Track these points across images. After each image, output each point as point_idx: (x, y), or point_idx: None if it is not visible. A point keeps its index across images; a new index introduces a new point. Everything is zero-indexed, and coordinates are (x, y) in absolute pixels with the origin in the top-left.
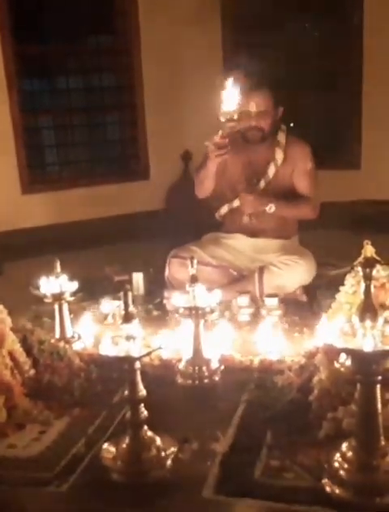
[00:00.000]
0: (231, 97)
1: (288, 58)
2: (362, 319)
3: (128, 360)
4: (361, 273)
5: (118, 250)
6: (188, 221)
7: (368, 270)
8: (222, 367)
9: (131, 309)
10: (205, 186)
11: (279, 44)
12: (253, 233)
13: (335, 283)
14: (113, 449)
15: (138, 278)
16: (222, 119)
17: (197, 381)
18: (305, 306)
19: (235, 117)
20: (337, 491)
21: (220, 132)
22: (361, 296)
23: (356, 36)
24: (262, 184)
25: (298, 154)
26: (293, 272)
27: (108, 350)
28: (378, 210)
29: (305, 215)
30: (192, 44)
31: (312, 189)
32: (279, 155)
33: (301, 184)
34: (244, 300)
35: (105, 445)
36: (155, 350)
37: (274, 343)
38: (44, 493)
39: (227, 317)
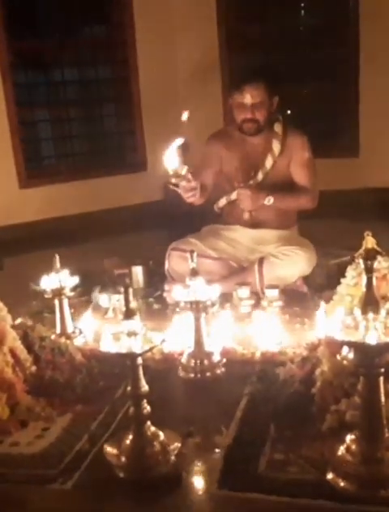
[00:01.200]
0: (175, 156)
1: (284, 48)
2: (364, 312)
3: (130, 357)
4: (361, 265)
5: (117, 243)
6: (186, 212)
7: (369, 262)
8: (224, 360)
9: (132, 304)
10: (197, 204)
11: (276, 34)
12: (252, 225)
13: (336, 273)
14: (116, 445)
15: (137, 271)
16: (170, 173)
17: (199, 375)
18: (305, 297)
19: (183, 172)
20: (341, 484)
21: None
22: (363, 289)
23: (352, 23)
24: (259, 176)
25: (295, 144)
26: (293, 263)
27: (109, 346)
28: (377, 197)
29: (304, 206)
30: (187, 35)
31: (310, 180)
32: (276, 146)
33: (298, 174)
34: (244, 292)
35: (109, 442)
36: (156, 346)
37: (275, 335)
38: (49, 491)
39: (228, 310)
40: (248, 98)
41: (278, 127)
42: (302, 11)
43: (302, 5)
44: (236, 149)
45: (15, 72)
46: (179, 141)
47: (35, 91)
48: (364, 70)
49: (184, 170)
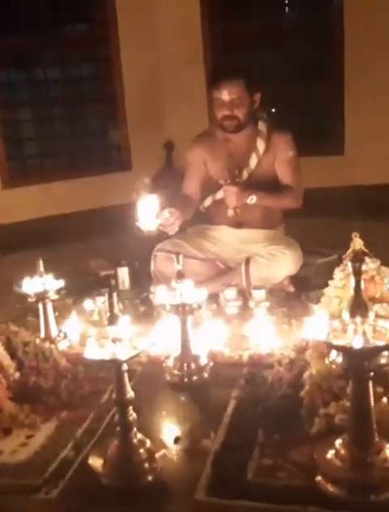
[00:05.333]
0: (149, 214)
1: (268, 45)
2: (353, 315)
3: (115, 363)
4: (349, 267)
5: (102, 244)
6: None
7: (357, 264)
8: (211, 363)
9: (116, 310)
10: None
11: (260, 31)
12: (238, 224)
13: (323, 273)
14: (102, 453)
15: (123, 272)
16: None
17: (186, 379)
18: (292, 297)
19: (155, 228)
20: (331, 489)
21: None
22: (351, 292)
23: (337, 21)
24: (244, 174)
25: (280, 143)
26: (280, 262)
27: (93, 353)
28: (363, 195)
29: (289, 205)
30: (171, 32)
31: (294, 178)
32: (260, 144)
33: (283, 173)
34: (231, 293)
35: (94, 451)
36: (142, 351)
37: (263, 336)
38: (34, 501)
39: (214, 311)
40: (225, 94)
41: (262, 126)
42: (287, 9)
43: (286, 2)
44: (220, 149)
45: None
46: (147, 200)
47: (17, 90)
48: (349, 67)
49: (156, 225)
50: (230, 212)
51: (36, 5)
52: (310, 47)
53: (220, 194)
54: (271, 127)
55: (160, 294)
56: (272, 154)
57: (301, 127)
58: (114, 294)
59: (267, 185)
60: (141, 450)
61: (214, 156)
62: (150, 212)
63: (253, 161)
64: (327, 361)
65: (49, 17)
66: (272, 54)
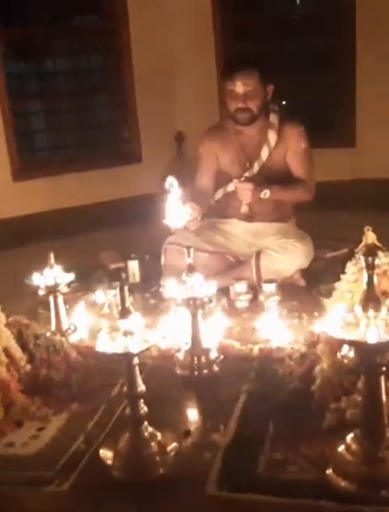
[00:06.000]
0: (176, 212)
1: (279, 36)
2: (365, 309)
3: (126, 357)
4: (362, 261)
5: (113, 236)
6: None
7: (370, 259)
8: (221, 356)
9: (128, 304)
10: None
11: (271, 21)
12: (249, 217)
13: (334, 266)
14: (113, 446)
15: (133, 266)
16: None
17: (196, 372)
18: (303, 291)
19: (183, 224)
20: (342, 484)
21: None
22: (364, 286)
23: (349, 11)
24: (255, 167)
25: (292, 135)
26: (291, 256)
27: (105, 346)
28: (374, 188)
29: (301, 198)
30: (182, 23)
31: (307, 171)
32: (272, 136)
33: (295, 166)
34: (242, 286)
35: (105, 444)
36: (153, 345)
37: (273, 330)
38: (45, 493)
39: (225, 305)
40: (239, 86)
41: (274, 118)
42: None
43: None
44: (231, 142)
45: (6, 63)
46: (173, 192)
47: (26, 82)
48: (361, 58)
49: (183, 223)
50: (244, 208)
51: None
52: (322, 37)
53: (231, 187)
54: (282, 119)
55: (170, 287)
56: (284, 146)
57: (313, 119)
58: (126, 287)
59: (279, 177)
60: (152, 444)
61: (225, 149)
62: (177, 210)
63: (264, 153)
64: (338, 356)
65: (58, 8)
66: (284, 45)
